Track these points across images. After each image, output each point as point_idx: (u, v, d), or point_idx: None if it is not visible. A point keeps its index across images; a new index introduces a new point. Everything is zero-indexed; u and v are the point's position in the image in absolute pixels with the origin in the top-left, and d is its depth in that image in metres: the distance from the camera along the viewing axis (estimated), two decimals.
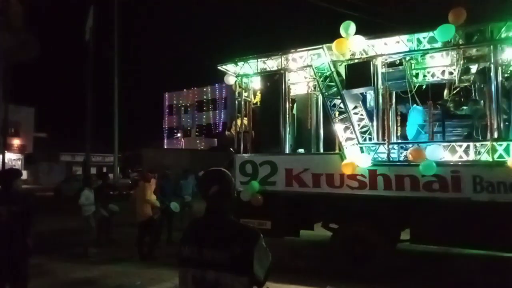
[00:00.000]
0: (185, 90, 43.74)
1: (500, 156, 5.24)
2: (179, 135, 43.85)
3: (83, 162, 22.63)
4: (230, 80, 7.56)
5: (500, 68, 5.51)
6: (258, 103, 7.74)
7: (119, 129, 19.60)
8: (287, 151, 6.88)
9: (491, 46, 5.46)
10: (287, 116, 6.93)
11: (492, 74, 5.47)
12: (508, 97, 5.75)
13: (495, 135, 5.37)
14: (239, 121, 7.35)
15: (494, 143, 5.28)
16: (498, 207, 5.14)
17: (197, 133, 42.96)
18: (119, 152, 21.62)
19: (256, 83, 7.73)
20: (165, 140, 44.49)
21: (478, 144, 5.53)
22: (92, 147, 19.21)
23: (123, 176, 33.33)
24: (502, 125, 5.45)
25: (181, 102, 44.06)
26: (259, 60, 7.10)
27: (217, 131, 40.19)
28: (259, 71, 7.18)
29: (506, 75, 6.02)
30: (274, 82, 7.09)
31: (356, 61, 6.31)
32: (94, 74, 18.22)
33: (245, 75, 7.31)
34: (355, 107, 7.03)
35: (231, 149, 7.45)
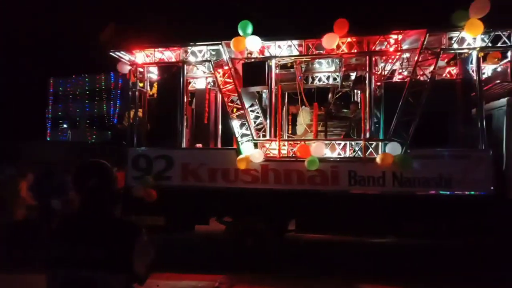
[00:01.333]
0: (74, 76, 39.43)
1: (370, 153, 6.06)
2: (65, 126, 39.35)
3: None
4: (124, 68, 7.10)
5: (373, 77, 6.37)
6: (155, 95, 7.45)
7: None
8: (183, 145, 6.78)
9: (367, 57, 6.26)
10: (185, 109, 6.83)
11: (367, 81, 6.28)
12: (379, 103, 6.65)
13: (367, 135, 6.18)
14: (132, 113, 6.96)
15: (366, 142, 6.07)
16: (368, 198, 5.94)
17: (87, 125, 39.12)
18: None
19: (153, 74, 7.43)
20: (49, 132, 39.50)
21: (353, 143, 6.29)
22: None
23: None
24: (373, 127, 6.30)
25: (69, 89, 39.55)
26: (156, 50, 6.83)
27: (111, 123, 37.25)
28: (156, 61, 6.91)
29: (378, 83, 6.95)
30: (172, 74, 6.91)
31: (252, 60, 6.55)
32: None
33: (140, 64, 6.95)
34: (252, 105, 7.30)
35: (123, 142, 7.02)
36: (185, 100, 6.91)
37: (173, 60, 6.85)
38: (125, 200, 6.27)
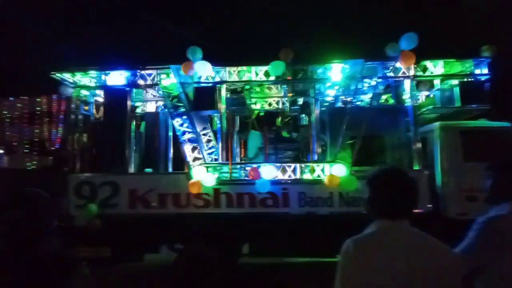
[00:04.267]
0: (11, 99, 36.72)
1: (318, 175, 6.27)
2: (1, 151, 36.18)
3: None
4: (67, 91, 6.79)
5: (318, 102, 6.70)
6: (101, 118, 7.18)
7: None
8: (131, 170, 6.55)
9: (312, 84, 6.59)
10: (133, 134, 6.64)
11: (312, 106, 6.58)
12: (324, 127, 6.96)
13: (315, 157, 6.41)
14: (76, 137, 6.63)
15: (314, 164, 6.29)
16: (317, 218, 6.09)
17: (26, 150, 36.28)
18: None
19: (99, 96, 7.18)
20: None
21: (303, 165, 6.49)
22: None
23: None
24: (320, 149, 6.56)
25: (5, 112, 36.66)
26: (101, 72, 6.64)
27: (52, 148, 34.89)
28: (102, 84, 6.70)
29: (322, 108, 7.30)
30: (119, 97, 6.73)
31: (202, 85, 6.61)
32: None
33: (85, 87, 6.70)
34: (204, 128, 7.28)
35: (65, 168, 6.62)
36: (134, 123, 6.73)
37: (121, 83, 6.69)
38: (66, 231, 5.86)
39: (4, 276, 1.57)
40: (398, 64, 6.28)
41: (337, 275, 1.60)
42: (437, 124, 6.30)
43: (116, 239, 6.10)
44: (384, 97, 7.75)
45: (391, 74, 6.43)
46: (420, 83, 6.98)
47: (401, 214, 1.62)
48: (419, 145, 6.19)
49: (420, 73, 6.47)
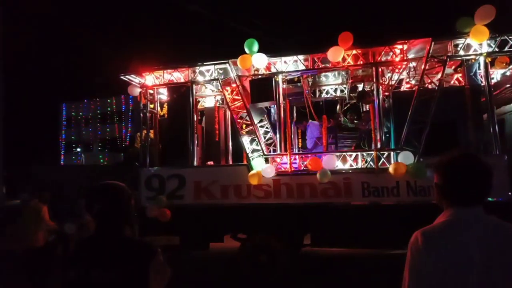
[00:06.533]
0: (86, 100, 40.31)
1: (383, 163, 6.01)
2: (78, 149, 40.03)
3: None
4: (135, 91, 7.26)
5: (381, 88, 6.38)
6: (165, 115, 7.58)
7: (5, 142, 17.06)
8: (195, 163, 6.84)
9: (374, 68, 6.29)
10: (195, 128, 6.92)
11: (374, 92, 6.28)
12: (388, 114, 6.64)
13: (378, 145, 6.14)
14: (144, 134, 7.08)
15: (378, 153, 6.03)
16: (383, 208, 5.86)
17: (100, 148, 39.74)
18: (6, 169, 18.78)
19: (162, 95, 7.58)
20: (62, 156, 40.18)
21: (365, 153, 6.26)
22: None
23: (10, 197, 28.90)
24: (383, 137, 6.27)
25: (81, 114, 40.40)
26: (165, 71, 6.99)
27: (123, 145, 37.75)
28: (165, 82, 7.06)
29: (386, 93, 6.95)
30: (181, 94, 7.04)
31: (259, 77, 6.65)
32: None
33: (150, 86, 7.11)
34: (261, 121, 7.35)
35: (136, 163, 7.11)
36: (195, 119, 7.01)
37: (182, 80, 6.99)
38: (139, 221, 6.31)
39: (94, 258, 1.75)
40: (469, 41, 5.74)
41: (407, 269, 1.52)
42: None
43: (184, 228, 6.43)
44: (455, 77, 7.14)
45: (462, 52, 5.90)
46: (495, 60, 6.32)
47: (474, 200, 1.52)
48: (496, 127, 5.63)
49: (495, 49, 5.84)
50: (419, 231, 1.53)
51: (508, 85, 6.17)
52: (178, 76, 7.03)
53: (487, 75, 5.78)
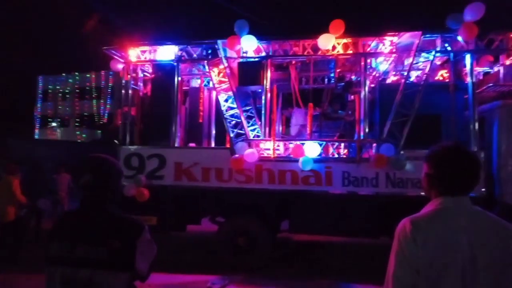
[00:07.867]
0: (64, 74, 38.85)
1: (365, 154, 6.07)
2: (54, 124, 38.76)
3: None
4: (118, 66, 7.00)
5: (367, 79, 6.39)
6: (148, 93, 7.36)
7: None
8: (176, 144, 6.72)
9: (362, 58, 6.27)
10: (179, 108, 6.77)
11: (361, 82, 6.29)
12: (372, 105, 6.67)
13: (361, 136, 6.19)
14: (125, 111, 6.87)
15: (360, 143, 6.08)
16: (361, 198, 5.95)
17: (77, 124, 38.59)
18: None
19: (146, 72, 7.35)
20: (37, 130, 38.84)
21: (347, 143, 6.30)
22: None
23: None
24: (366, 128, 6.31)
25: (58, 87, 38.96)
26: (151, 48, 6.76)
27: (101, 122, 36.79)
28: (150, 59, 6.84)
29: (372, 85, 6.97)
30: (166, 72, 6.84)
31: (248, 59, 6.52)
32: None
33: (134, 62, 6.87)
34: (246, 105, 7.25)
35: (115, 141, 6.92)
36: (179, 98, 6.85)
37: (168, 58, 6.78)
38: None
39: (80, 233, 1.68)
40: (458, 37, 5.80)
41: (393, 255, 1.53)
42: (497, 103, 5.82)
43: (162, 209, 6.35)
44: (440, 72, 7.23)
45: (449, 48, 5.97)
46: (480, 59, 6.43)
47: (463, 190, 1.55)
48: (476, 125, 5.77)
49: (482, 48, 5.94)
50: (407, 219, 1.54)
51: (490, 84, 6.30)
52: (164, 53, 6.81)
53: (471, 72, 5.88)
